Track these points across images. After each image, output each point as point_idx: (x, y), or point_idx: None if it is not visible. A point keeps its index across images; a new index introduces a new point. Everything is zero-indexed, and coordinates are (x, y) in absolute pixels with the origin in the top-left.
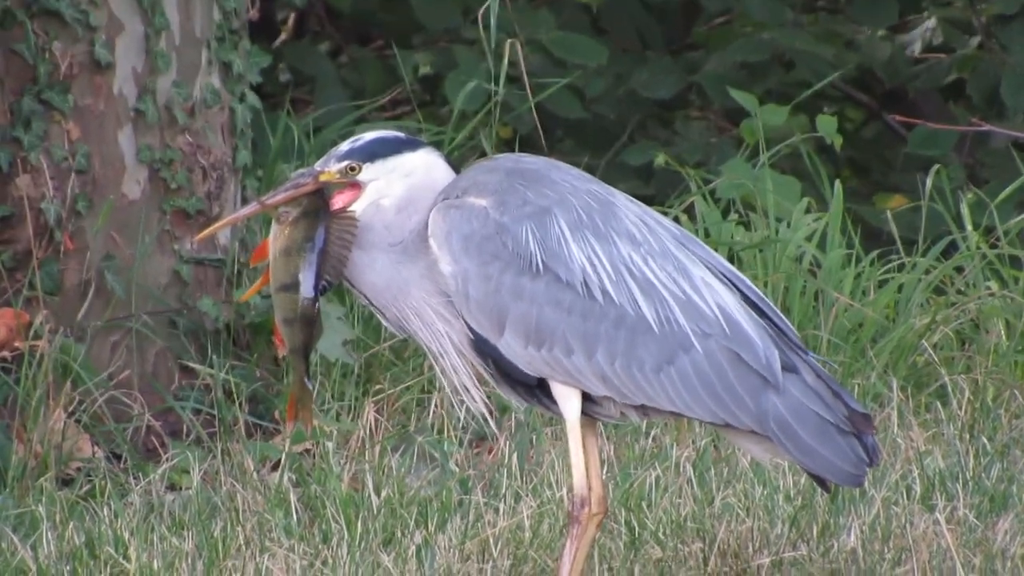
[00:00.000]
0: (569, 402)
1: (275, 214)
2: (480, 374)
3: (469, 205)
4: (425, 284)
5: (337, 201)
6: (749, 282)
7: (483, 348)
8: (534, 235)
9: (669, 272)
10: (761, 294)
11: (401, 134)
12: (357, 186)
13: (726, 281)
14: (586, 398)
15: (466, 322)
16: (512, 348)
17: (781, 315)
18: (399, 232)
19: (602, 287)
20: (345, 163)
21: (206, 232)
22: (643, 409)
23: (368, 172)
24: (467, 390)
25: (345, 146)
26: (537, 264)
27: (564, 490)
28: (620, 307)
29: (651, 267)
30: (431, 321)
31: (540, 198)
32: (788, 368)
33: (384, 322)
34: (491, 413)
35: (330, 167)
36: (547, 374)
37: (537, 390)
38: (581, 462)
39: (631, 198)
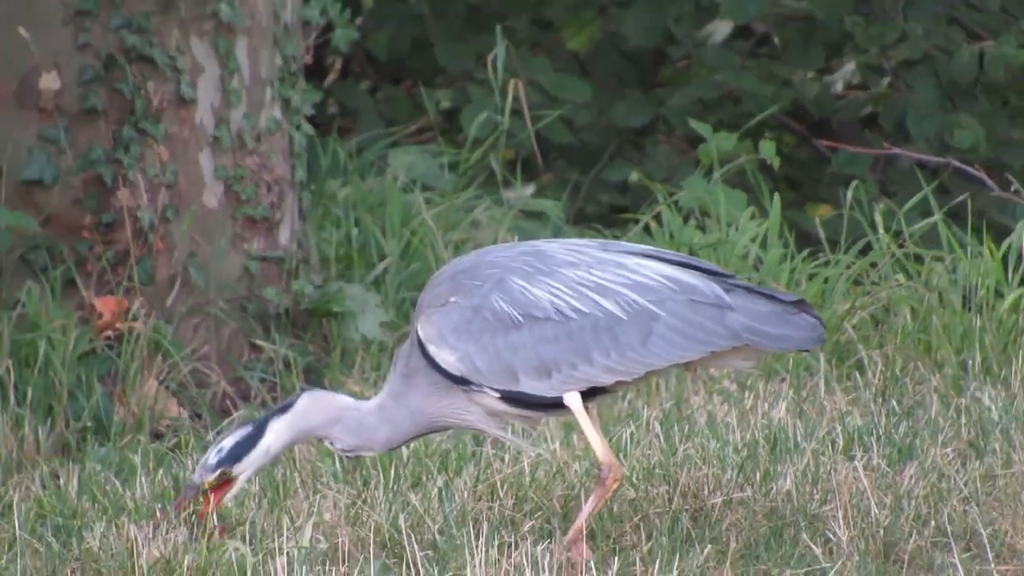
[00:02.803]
0: (574, 399)
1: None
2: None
3: (443, 309)
4: (426, 402)
5: (216, 496)
6: (668, 252)
7: (509, 396)
8: (503, 299)
9: (609, 271)
10: (682, 256)
11: (250, 427)
12: (230, 481)
13: (652, 258)
14: (598, 392)
15: (485, 386)
16: (532, 385)
17: (702, 261)
18: (366, 416)
19: (571, 307)
20: (219, 471)
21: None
22: (646, 376)
23: (239, 467)
24: (507, 441)
25: (212, 458)
26: (516, 319)
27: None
28: (591, 315)
29: (595, 275)
30: (448, 418)
31: (489, 276)
32: (728, 291)
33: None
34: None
35: (207, 478)
36: (563, 391)
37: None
38: (597, 440)
39: (547, 239)
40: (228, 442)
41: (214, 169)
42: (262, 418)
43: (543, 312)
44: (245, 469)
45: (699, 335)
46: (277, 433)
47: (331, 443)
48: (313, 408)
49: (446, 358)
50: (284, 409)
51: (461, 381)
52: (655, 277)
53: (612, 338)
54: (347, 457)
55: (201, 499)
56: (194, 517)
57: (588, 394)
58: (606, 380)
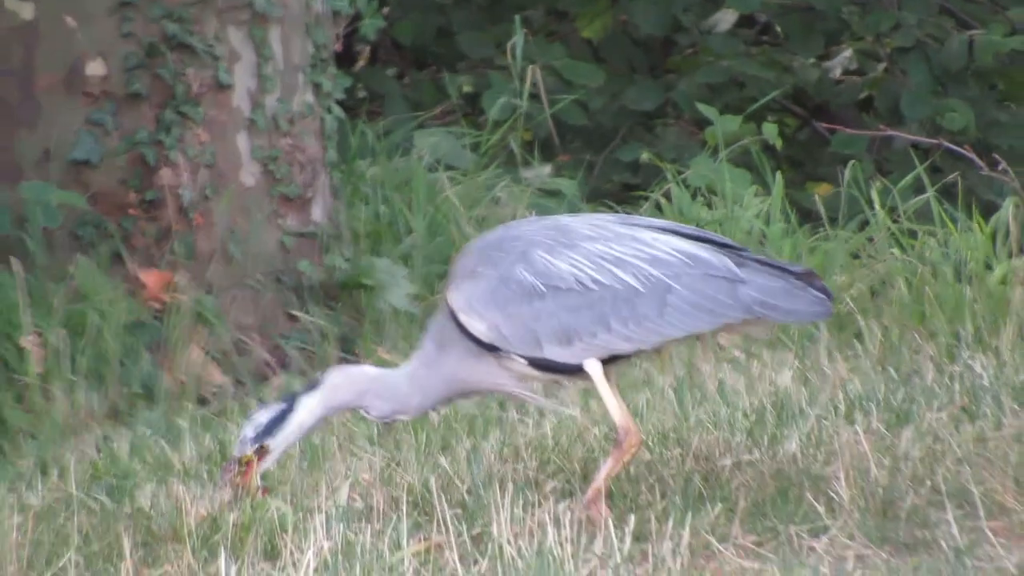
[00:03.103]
0: (594, 366)
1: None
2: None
3: (472, 280)
4: (461, 367)
5: (256, 466)
6: (683, 226)
7: (534, 362)
8: (527, 271)
9: (628, 245)
10: (696, 230)
11: (283, 404)
12: (266, 452)
13: (668, 232)
14: (617, 359)
15: (512, 352)
16: (554, 352)
17: (718, 235)
18: (399, 386)
19: (591, 279)
20: (257, 445)
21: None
22: (662, 345)
23: (274, 442)
24: (539, 405)
25: (250, 432)
26: (540, 289)
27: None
28: (610, 287)
29: (614, 248)
30: (482, 382)
31: (514, 248)
32: (741, 265)
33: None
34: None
35: (246, 451)
36: (584, 358)
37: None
38: (616, 405)
39: (570, 213)
40: (263, 417)
41: (251, 150)
42: (294, 395)
43: (565, 283)
44: (279, 444)
45: (712, 308)
46: (309, 409)
47: (366, 412)
48: (342, 383)
49: (476, 326)
50: (313, 386)
51: (491, 348)
52: (671, 251)
53: (630, 309)
54: (382, 423)
55: (242, 469)
56: (238, 482)
57: (607, 361)
58: (624, 348)
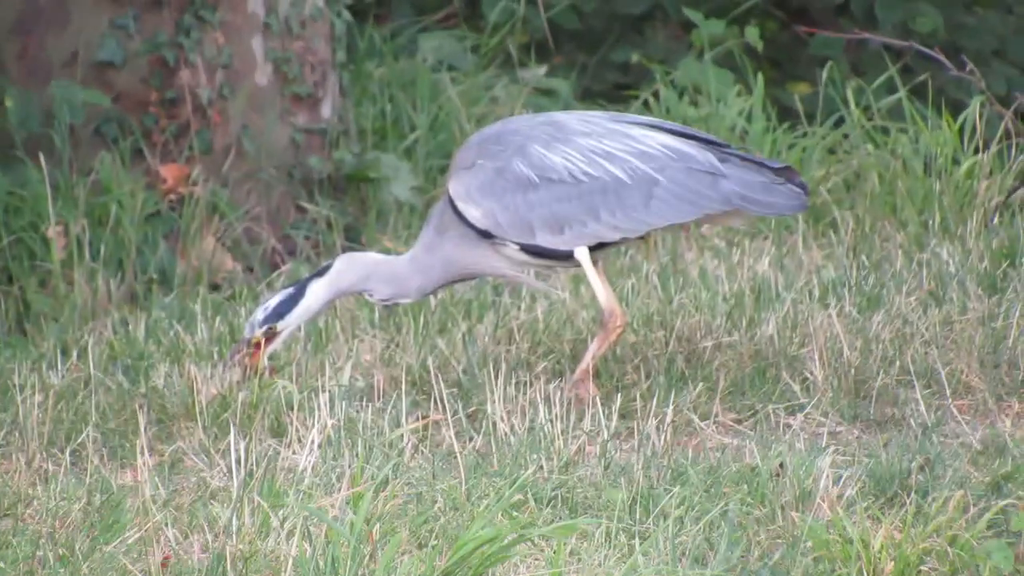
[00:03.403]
0: (583, 253)
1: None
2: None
3: (471, 170)
4: (458, 252)
5: (264, 348)
6: (671, 123)
7: (527, 248)
8: (522, 163)
9: (618, 140)
10: (682, 127)
11: (292, 288)
12: (275, 335)
13: (656, 128)
14: (602, 246)
15: (506, 239)
16: (546, 239)
17: (701, 132)
18: (401, 267)
19: (582, 171)
20: (266, 327)
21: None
22: (647, 234)
23: (282, 324)
24: (533, 287)
25: (260, 315)
26: (534, 180)
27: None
28: (600, 179)
29: (605, 143)
30: (477, 265)
31: (511, 142)
32: (723, 161)
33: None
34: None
35: (256, 332)
36: (574, 245)
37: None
38: (602, 289)
39: (565, 111)
40: (273, 301)
41: (264, 52)
42: (303, 280)
43: (558, 175)
44: (288, 325)
45: (695, 199)
46: (315, 294)
47: (369, 295)
48: (349, 268)
49: (472, 213)
50: (322, 272)
51: (486, 235)
52: (657, 147)
53: (618, 199)
54: (384, 306)
55: (251, 350)
56: (247, 363)
57: (595, 248)
58: (612, 236)
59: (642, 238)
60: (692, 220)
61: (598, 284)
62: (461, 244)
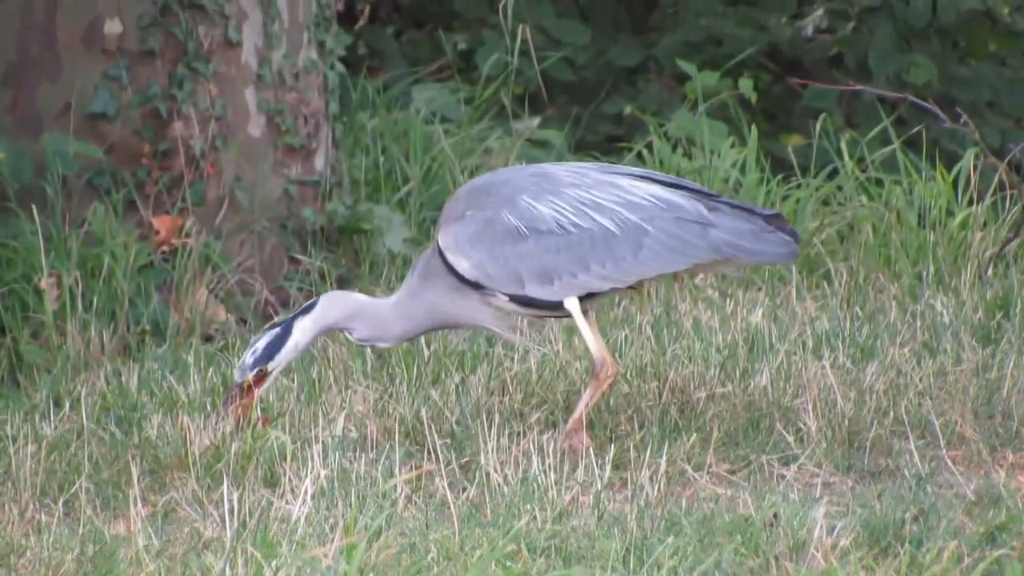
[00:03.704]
0: (572, 304)
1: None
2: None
3: (461, 221)
4: (444, 300)
5: (255, 390)
6: (660, 174)
7: (516, 299)
8: (511, 214)
9: (607, 191)
10: (672, 177)
11: (278, 328)
12: (265, 376)
13: (645, 179)
14: (592, 296)
15: (496, 290)
16: (536, 290)
17: (690, 182)
18: (382, 310)
19: (571, 222)
20: (256, 369)
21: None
22: (636, 285)
23: (272, 364)
24: (501, 336)
25: (249, 359)
26: (523, 231)
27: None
28: (589, 230)
29: (593, 194)
30: (461, 316)
31: (501, 194)
32: (712, 210)
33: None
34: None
35: (247, 376)
36: (564, 296)
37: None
38: (593, 339)
39: (555, 162)
40: (261, 344)
41: (257, 103)
42: (288, 319)
43: (547, 226)
44: (278, 365)
45: (684, 249)
46: (303, 331)
47: (350, 333)
48: (332, 306)
49: (462, 264)
50: (307, 310)
51: (475, 285)
52: (646, 197)
53: (607, 250)
54: (363, 346)
55: (244, 394)
56: (240, 411)
57: (585, 298)
58: (601, 287)
59: (632, 287)
60: (682, 270)
61: (588, 334)
62: (447, 293)
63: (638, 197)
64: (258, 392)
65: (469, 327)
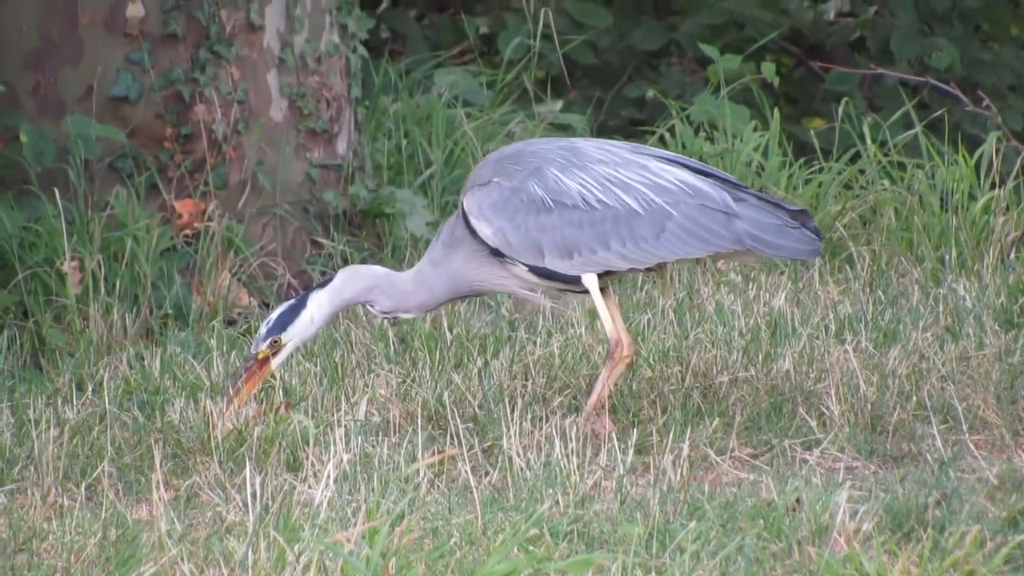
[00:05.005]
0: (591, 280)
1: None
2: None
3: (486, 187)
4: (467, 267)
5: (272, 360)
6: (690, 159)
7: (536, 270)
8: (537, 185)
9: (635, 172)
10: (701, 164)
11: (293, 300)
12: (280, 348)
13: (675, 163)
14: (610, 274)
15: (516, 259)
16: (555, 263)
17: (720, 171)
18: (403, 282)
19: (596, 199)
20: (269, 339)
21: (228, 411)
22: (656, 267)
23: (286, 336)
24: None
25: (263, 329)
26: (548, 203)
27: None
28: (613, 207)
29: (622, 173)
30: (489, 282)
31: (529, 164)
32: (738, 200)
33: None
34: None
35: (261, 347)
36: (583, 271)
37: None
38: (609, 319)
39: (585, 137)
40: (274, 315)
41: (280, 87)
42: (304, 293)
43: (572, 200)
44: (292, 338)
45: (706, 236)
46: (319, 305)
47: (371, 307)
48: (351, 280)
49: (484, 230)
50: (324, 284)
51: (496, 252)
52: (673, 181)
53: (629, 230)
54: (386, 318)
55: (259, 367)
56: (251, 384)
57: (603, 275)
58: (620, 266)
59: (651, 269)
60: (701, 256)
61: (604, 312)
62: (471, 260)
63: (666, 180)
64: (273, 363)
65: (492, 292)
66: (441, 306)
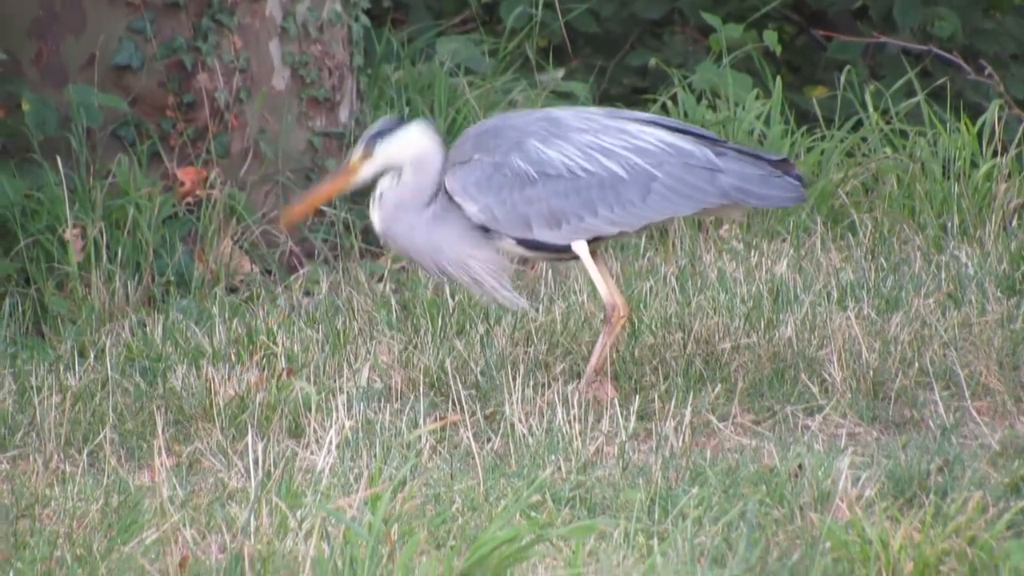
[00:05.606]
0: (581, 247)
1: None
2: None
3: (467, 165)
4: (455, 234)
5: (359, 172)
6: (667, 119)
7: (525, 243)
8: (520, 158)
9: (615, 136)
10: (679, 123)
11: (395, 118)
12: (369, 157)
13: (653, 124)
14: (600, 239)
15: (504, 233)
16: (543, 234)
17: (699, 128)
18: (423, 191)
19: (580, 167)
20: (363, 147)
21: (297, 212)
22: (645, 228)
23: (380, 147)
24: (502, 297)
25: (372, 131)
26: (532, 175)
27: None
28: (597, 174)
29: (602, 139)
30: (461, 260)
31: (509, 138)
32: (720, 155)
33: (424, 273)
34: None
35: (356, 155)
36: (572, 239)
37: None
38: (603, 283)
39: (563, 106)
40: (378, 123)
41: (282, 56)
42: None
43: (556, 170)
44: (378, 154)
45: (691, 194)
46: (409, 137)
47: (382, 195)
48: (421, 137)
49: (469, 208)
50: (392, 129)
51: (483, 229)
52: (654, 142)
53: (615, 195)
54: (371, 217)
55: (344, 173)
56: (339, 179)
57: (592, 240)
58: (609, 231)
59: (639, 232)
60: (689, 214)
61: (598, 277)
62: (459, 234)
63: (646, 142)
64: (356, 176)
65: (464, 281)
66: (406, 258)
